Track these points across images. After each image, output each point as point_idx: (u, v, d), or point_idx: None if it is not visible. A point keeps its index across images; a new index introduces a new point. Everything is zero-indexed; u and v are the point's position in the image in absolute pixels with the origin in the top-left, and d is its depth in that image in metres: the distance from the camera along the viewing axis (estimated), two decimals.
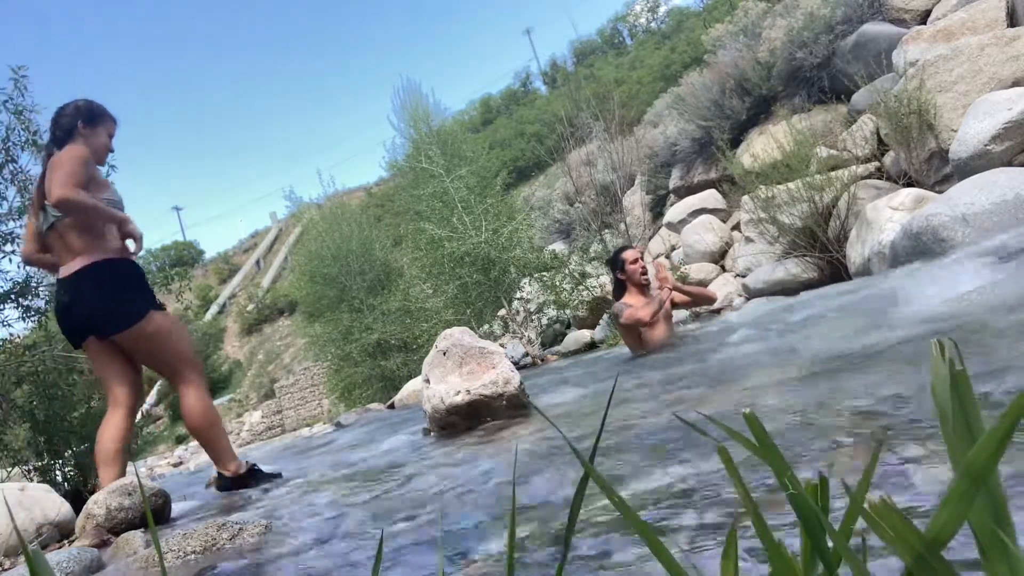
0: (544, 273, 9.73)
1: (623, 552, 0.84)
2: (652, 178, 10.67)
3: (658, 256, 9.35)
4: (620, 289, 4.19)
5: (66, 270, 2.49)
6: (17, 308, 3.71)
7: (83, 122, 2.60)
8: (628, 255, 4.15)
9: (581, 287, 9.22)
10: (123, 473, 2.44)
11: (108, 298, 2.46)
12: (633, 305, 4.03)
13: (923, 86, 4.85)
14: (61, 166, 2.37)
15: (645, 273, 4.13)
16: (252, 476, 2.60)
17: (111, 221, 2.54)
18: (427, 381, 2.74)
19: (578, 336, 8.85)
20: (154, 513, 2.12)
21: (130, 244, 2.62)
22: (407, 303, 12.33)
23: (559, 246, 12.67)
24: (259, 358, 30.45)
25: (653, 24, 34.74)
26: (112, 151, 2.74)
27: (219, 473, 2.63)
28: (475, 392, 2.55)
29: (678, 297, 4.16)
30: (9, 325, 3.75)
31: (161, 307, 2.58)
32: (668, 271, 4.30)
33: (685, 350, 3.37)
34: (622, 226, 10.56)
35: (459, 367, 2.68)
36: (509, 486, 1.40)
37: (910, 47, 5.65)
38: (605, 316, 8.28)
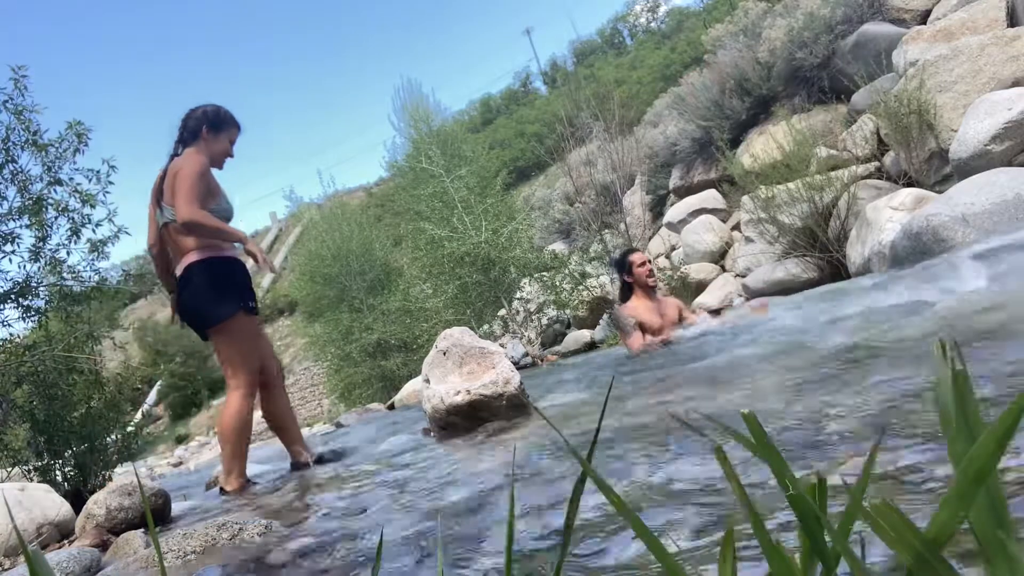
0: (544, 273, 9.74)
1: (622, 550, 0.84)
2: (652, 178, 10.68)
3: (658, 256, 9.35)
4: (627, 291, 4.13)
5: (179, 268, 2.62)
6: (17, 308, 3.71)
7: (208, 127, 2.70)
8: (635, 258, 4.07)
9: (581, 287, 9.22)
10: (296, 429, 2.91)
11: (202, 295, 2.56)
12: (638, 309, 3.99)
13: (923, 86, 4.86)
14: (184, 180, 2.47)
15: (652, 275, 4.07)
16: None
17: (231, 241, 2.64)
18: (427, 381, 2.74)
19: (578, 336, 8.86)
20: (154, 513, 2.12)
21: (251, 264, 2.71)
22: (407, 303, 12.34)
23: (559, 246, 12.68)
24: None
25: (653, 24, 34.73)
26: (232, 156, 2.83)
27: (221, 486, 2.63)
28: (475, 392, 2.55)
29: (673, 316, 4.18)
30: (9, 325, 3.75)
31: (254, 310, 2.66)
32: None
33: (683, 350, 3.37)
34: (622, 226, 10.55)
35: (459, 367, 2.68)
36: (508, 485, 1.40)
37: (910, 47, 5.65)
38: (605, 316, 8.28)
